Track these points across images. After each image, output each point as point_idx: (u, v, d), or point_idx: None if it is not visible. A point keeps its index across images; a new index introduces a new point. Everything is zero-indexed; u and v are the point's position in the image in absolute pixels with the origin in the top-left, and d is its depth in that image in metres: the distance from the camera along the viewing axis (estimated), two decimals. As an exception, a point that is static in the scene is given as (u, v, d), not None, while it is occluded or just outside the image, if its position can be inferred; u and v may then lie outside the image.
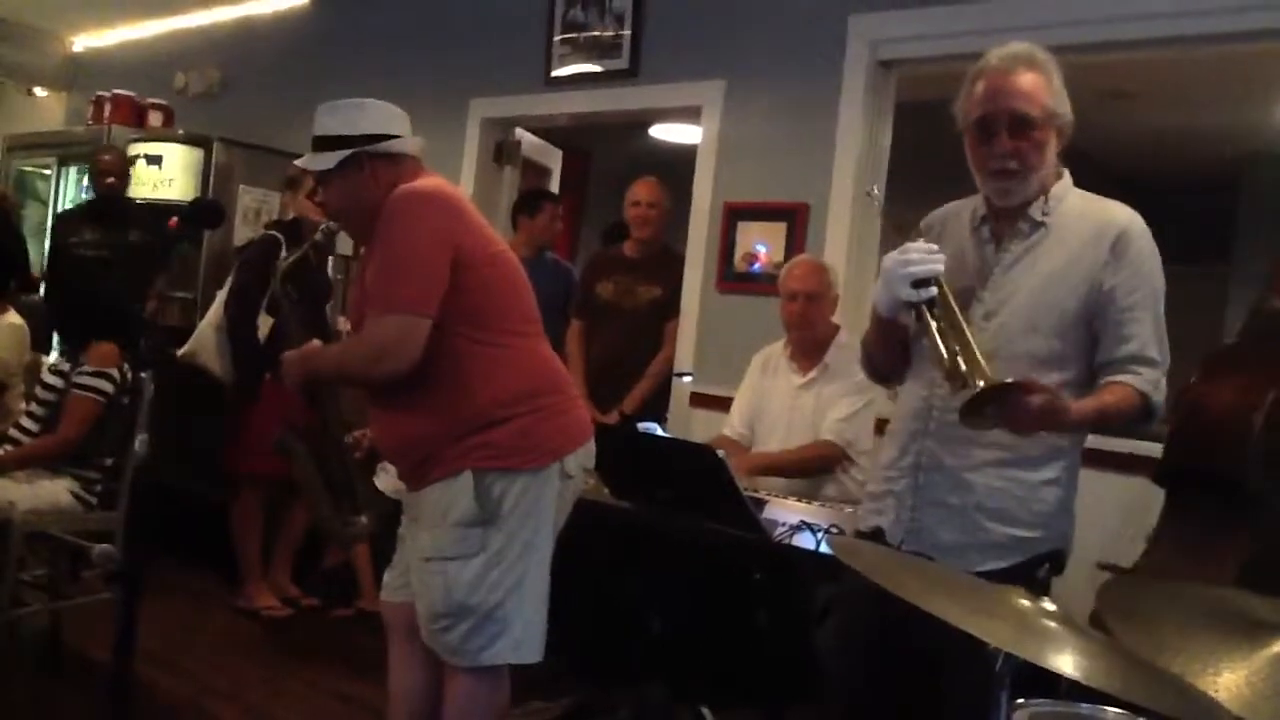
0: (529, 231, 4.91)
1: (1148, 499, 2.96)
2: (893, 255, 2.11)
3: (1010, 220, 2.19)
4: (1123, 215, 2.15)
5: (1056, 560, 2.19)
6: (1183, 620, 1.58)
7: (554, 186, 5.98)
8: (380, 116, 2.53)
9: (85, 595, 3.69)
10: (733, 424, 3.65)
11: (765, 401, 3.59)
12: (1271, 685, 1.44)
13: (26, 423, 3.78)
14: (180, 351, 4.42)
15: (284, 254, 4.09)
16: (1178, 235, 2.86)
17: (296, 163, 2.65)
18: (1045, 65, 2.12)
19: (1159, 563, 2.69)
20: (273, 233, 4.45)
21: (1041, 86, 2.10)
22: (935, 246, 2.09)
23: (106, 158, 5.34)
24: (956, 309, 2.04)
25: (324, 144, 2.50)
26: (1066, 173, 2.21)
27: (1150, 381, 2.09)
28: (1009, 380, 1.94)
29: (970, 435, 2.09)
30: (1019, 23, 3.64)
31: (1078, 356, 2.14)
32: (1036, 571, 2.13)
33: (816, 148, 4.17)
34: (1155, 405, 2.11)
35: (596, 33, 4.91)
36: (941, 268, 2.06)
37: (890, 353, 2.33)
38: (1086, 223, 2.15)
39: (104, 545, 3.35)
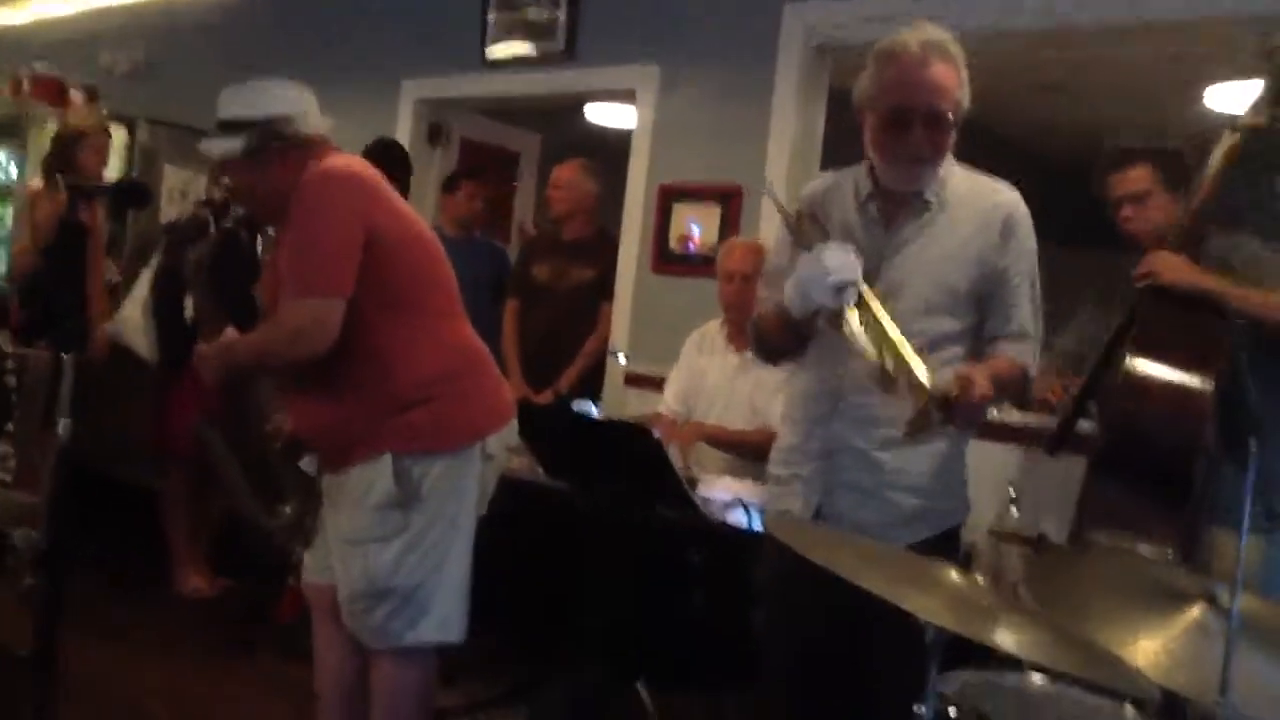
0: (449, 210, 4.91)
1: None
2: (807, 261, 2.07)
3: (900, 199, 2.20)
4: (1009, 197, 2.21)
5: (959, 532, 2.27)
6: (1104, 590, 1.63)
7: (529, 172, 5.94)
8: (285, 97, 2.48)
9: (6, 583, 3.60)
10: (667, 402, 3.67)
11: (701, 380, 3.61)
12: (1188, 653, 1.48)
13: None
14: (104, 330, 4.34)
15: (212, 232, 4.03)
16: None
17: (199, 146, 2.56)
18: (956, 55, 2.13)
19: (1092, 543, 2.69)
20: (201, 213, 4.38)
21: (953, 79, 2.12)
22: (851, 249, 2.06)
23: None
24: (881, 310, 2.02)
25: (228, 128, 2.45)
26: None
27: (1030, 354, 2.21)
28: (953, 395, 1.93)
29: (876, 415, 2.12)
30: (956, 8, 3.60)
31: (966, 333, 2.20)
32: (953, 546, 2.21)
33: (751, 132, 4.18)
34: (1031, 377, 2.23)
35: (531, 14, 4.88)
36: (860, 273, 2.04)
37: (792, 344, 2.31)
38: (975, 204, 2.20)
39: (25, 530, 3.27)
